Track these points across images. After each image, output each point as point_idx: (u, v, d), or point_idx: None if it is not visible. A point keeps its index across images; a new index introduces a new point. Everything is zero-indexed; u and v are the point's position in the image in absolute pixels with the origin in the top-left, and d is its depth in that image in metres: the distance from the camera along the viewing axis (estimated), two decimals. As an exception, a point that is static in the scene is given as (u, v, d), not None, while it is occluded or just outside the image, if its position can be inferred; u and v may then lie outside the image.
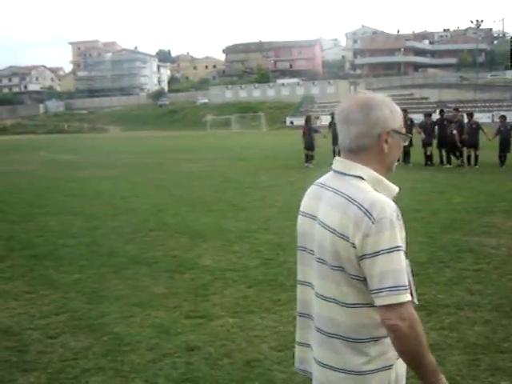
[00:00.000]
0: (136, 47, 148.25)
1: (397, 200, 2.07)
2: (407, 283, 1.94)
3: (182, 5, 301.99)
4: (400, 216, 2.01)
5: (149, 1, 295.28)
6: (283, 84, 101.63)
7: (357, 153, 2.09)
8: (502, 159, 19.98)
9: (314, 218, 2.13)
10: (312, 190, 2.24)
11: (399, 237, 1.95)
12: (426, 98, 77.74)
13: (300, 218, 2.25)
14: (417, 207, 12.09)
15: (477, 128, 20.48)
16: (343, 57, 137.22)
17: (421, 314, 5.69)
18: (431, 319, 5.67)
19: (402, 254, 1.95)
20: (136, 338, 5.42)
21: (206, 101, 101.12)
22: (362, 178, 2.05)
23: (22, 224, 11.51)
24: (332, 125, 23.39)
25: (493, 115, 60.29)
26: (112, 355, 5.05)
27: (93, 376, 4.69)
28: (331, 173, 2.18)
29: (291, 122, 72.94)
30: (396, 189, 2.12)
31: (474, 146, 20.31)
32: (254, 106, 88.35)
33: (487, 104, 69.73)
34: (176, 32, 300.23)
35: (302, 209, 2.26)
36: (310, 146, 22.69)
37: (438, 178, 17.43)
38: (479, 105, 69.75)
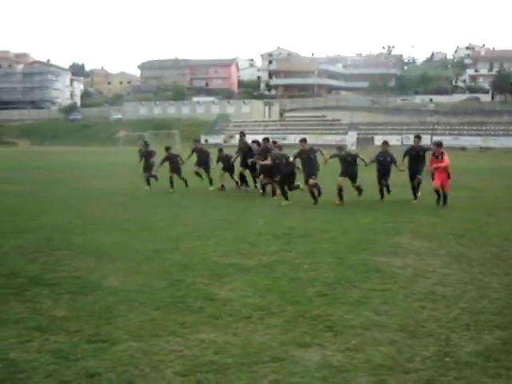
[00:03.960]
0: (49, 60, 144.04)
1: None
2: None
3: (96, 18, 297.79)
4: None
5: (62, 13, 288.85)
6: (198, 102, 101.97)
7: None
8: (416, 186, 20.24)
9: None
10: None
11: None
12: (338, 120, 79.77)
13: None
14: (326, 227, 12.21)
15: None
16: (258, 77, 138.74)
17: (326, 336, 5.70)
18: (337, 340, 5.65)
19: None
20: (33, 364, 5.13)
21: (120, 117, 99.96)
22: None
23: None
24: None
25: (402, 138, 62.65)
26: (6, 383, 4.75)
27: (-18, 407, 4.39)
28: None
29: (206, 140, 72.88)
30: None
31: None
32: (169, 124, 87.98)
33: (397, 127, 72.29)
34: (90, 46, 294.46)
35: None
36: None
37: (346, 199, 17.72)
38: (389, 127, 72.27)
